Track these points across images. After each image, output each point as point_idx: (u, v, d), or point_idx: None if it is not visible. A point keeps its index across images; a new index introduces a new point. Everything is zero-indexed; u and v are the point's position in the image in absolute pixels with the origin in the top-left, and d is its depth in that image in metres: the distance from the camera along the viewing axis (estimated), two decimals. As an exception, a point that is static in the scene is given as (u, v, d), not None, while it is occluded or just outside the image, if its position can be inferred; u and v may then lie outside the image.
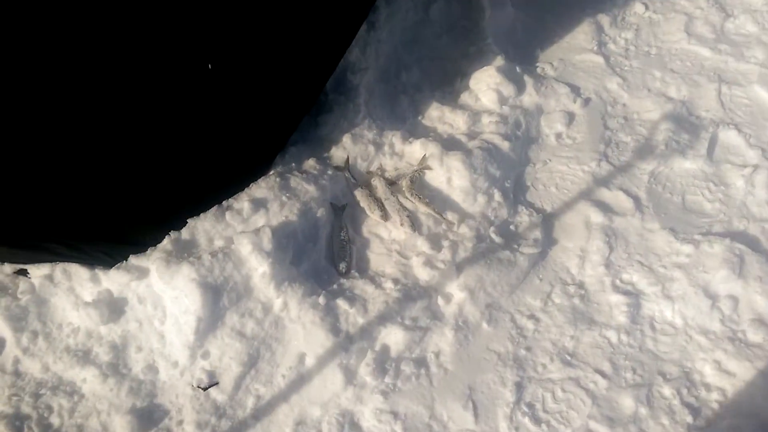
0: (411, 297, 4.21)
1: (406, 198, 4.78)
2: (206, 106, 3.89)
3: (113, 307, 4.09)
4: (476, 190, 4.83)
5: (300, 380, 3.94)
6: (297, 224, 4.38)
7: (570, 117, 5.74)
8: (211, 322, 3.89)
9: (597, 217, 4.85)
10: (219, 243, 4.19)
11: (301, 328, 4.02)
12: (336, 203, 4.81)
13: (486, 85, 5.71)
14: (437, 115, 5.57)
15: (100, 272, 4.11)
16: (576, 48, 6.55)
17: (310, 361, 3.97)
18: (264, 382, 3.94)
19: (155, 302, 4.06)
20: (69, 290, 4.15)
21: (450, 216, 4.72)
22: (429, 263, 4.39)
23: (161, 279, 3.90)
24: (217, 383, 3.91)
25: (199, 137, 4.01)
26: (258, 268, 4.02)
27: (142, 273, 4.06)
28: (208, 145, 4.13)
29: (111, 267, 4.09)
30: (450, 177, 4.85)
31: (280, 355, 4.02)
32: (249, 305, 4.01)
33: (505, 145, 5.17)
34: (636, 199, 5.00)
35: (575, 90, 5.97)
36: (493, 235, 4.65)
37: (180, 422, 3.80)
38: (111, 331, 4.12)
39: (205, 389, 3.87)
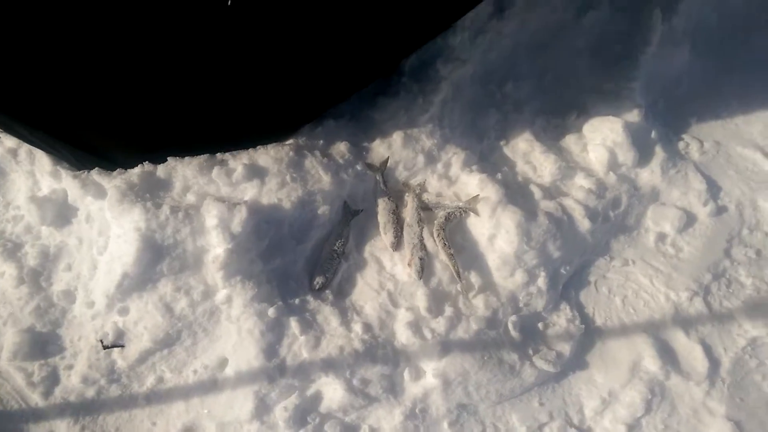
0: (374, 356, 3.57)
1: (432, 236, 4.05)
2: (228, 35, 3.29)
3: (62, 212, 3.84)
4: (519, 263, 3.98)
5: (210, 386, 3.51)
6: (289, 213, 3.82)
7: (689, 221, 4.60)
8: (140, 281, 3.50)
9: (652, 362, 3.87)
10: (190, 199, 3.74)
11: (236, 333, 3.54)
12: (350, 205, 4.19)
13: (602, 138, 4.68)
14: (524, 150, 4.67)
15: (63, 171, 3.84)
16: (744, 137, 5.22)
17: (229, 372, 3.51)
18: (173, 368, 3.55)
19: (102, 229, 3.74)
20: (29, 174, 3.93)
21: (469, 280, 3.96)
22: (416, 326, 3.69)
23: (110, 210, 3.55)
24: (122, 346, 3.57)
25: (212, 64, 3.45)
26: (216, 248, 3.54)
27: (99, 193, 3.73)
28: (220, 77, 3.57)
29: (75, 170, 3.79)
30: (494, 235, 4.03)
31: (202, 349, 3.59)
32: (190, 282, 3.56)
33: (584, 224, 4.22)
34: (714, 365, 3.93)
35: (713, 189, 4.78)
36: (510, 326, 3.84)
37: (69, 367, 3.53)
38: (50, 236, 3.88)
39: (105, 347, 3.54)
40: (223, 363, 3.56)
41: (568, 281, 4.23)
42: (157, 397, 3.50)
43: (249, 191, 3.83)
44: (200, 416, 3.45)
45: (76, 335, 3.64)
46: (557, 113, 5.03)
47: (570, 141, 4.81)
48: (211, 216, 3.55)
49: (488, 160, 4.61)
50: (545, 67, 5.27)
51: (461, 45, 4.78)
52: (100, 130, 3.69)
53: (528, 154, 4.65)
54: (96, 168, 3.79)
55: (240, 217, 3.56)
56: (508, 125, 4.82)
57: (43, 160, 3.87)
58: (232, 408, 3.42)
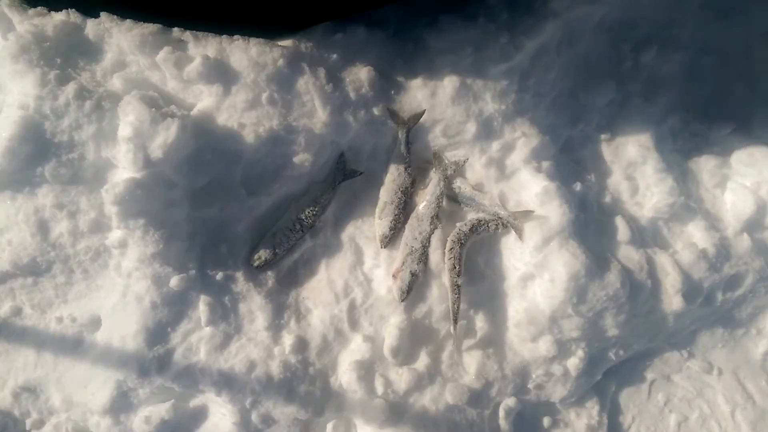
0: (294, 390, 2.66)
1: (443, 246, 2.85)
2: None
3: None
4: (552, 327, 2.86)
5: (72, 346, 2.77)
6: (251, 149, 2.80)
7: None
8: (12, 179, 2.61)
9: None
10: (116, 84, 2.76)
11: (121, 292, 2.69)
12: (347, 162, 3.07)
13: (757, 178, 3.32)
14: (632, 157, 3.34)
15: None
16: None
17: (99, 338, 2.71)
18: (35, 304, 2.78)
19: None
20: None
21: (471, 324, 2.83)
22: (368, 368, 2.70)
23: (1, 65, 2.56)
24: None
25: None
26: (119, 171, 2.52)
27: (6, 29, 2.72)
28: None
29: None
30: (533, 276, 2.88)
31: (76, 295, 2.78)
32: (79, 203, 2.67)
33: (674, 302, 2.98)
34: None
35: None
36: (502, 413, 2.86)
37: None
38: None
39: None
40: (95, 322, 2.79)
41: (612, 370, 3.00)
42: (8, 332, 2.73)
43: (204, 98, 2.81)
44: (48, 379, 2.80)
45: None
46: (703, 117, 3.53)
47: (705, 166, 3.38)
48: (126, 122, 2.52)
49: (571, 156, 3.27)
50: (715, 41, 3.59)
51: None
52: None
53: (635, 166, 3.30)
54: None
55: (166, 137, 2.51)
56: (624, 113, 3.46)
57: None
58: (86, 388, 2.70)
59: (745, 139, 3.41)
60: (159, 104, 2.67)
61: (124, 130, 2.58)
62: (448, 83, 3.11)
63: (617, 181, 3.31)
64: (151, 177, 2.59)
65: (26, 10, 2.86)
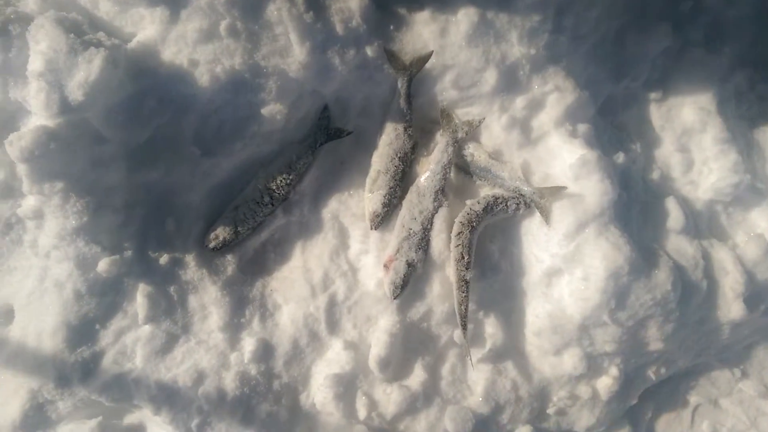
0: (253, 410, 2.21)
1: (449, 230, 2.35)
2: None
3: None
4: (580, 338, 2.38)
5: None
6: (206, 96, 2.22)
7: None
8: None
9: None
10: (30, 2, 2.13)
11: (37, 277, 2.18)
12: (332, 118, 2.50)
13: None
14: (688, 122, 2.76)
15: None
16: None
17: (13, 333, 2.21)
18: None
19: None
20: None
21: (481, 330, 2.35)
22: (349, 383, 2.24)
23: None
24: None
25: None
26: (33, 109, 1.98)
27: None
28: None
29: None
30: (560, 271, 2.36)
31: None
32: None
33: (732, 309, 2.53)
34: None
35: None
36: None
37: None
38: None
39: None
40: (7, 314, 2.34)
41: (650, 392, 2.53)
42: None
43: (145, 26, 2.17)
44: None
45: None
46: None
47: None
48: (36, 51, 1.93)
49: (612, 119, 2.69)
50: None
51: None
52: None
53: (690, 135, 2.75)
54: None
55: (87, 73, 1.94)
56: (681, 66, 2.85)
57: None
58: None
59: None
60: (82, 30, 2.09)
61: (34, 62, 2.01)
62: (464, 17, 2.50)
63: (668, 153, 2.76)
64: (70, 126, 2.05)
65: None
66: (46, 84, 1.97)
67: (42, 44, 1.99)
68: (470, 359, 2.36)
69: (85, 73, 1.98)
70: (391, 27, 2.53)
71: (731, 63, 2.95)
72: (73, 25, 2.08)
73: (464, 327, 2.33)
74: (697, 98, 2.79)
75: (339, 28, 2.40)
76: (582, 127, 2.52)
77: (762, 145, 2.88)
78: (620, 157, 2.58)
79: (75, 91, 1.99)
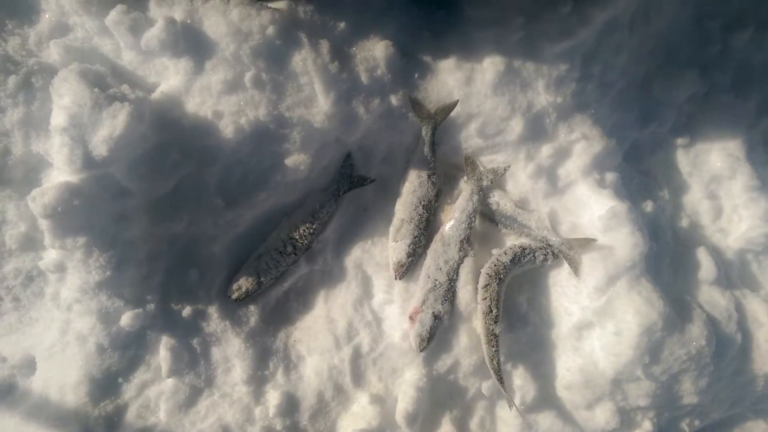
0: None
1: (476, 281, 2.29)
2: None
3: None
4: (613, 392, 2.30)
5: (1, 393, 2.14)
6: (230, 147, 2.19)
7: None
8: None
9: None
10: (53, 54, 2.17)
11: (59, 329, 2.17)
12: (355, 166, 2.48)
13: None
14: (717, 169, 2.71)
15: None
16: None
17: (35, 384, 2.15)
18: None
19: None
20: None
21: (510, 384, 2.26)
22: None
23: None
24: None
25: None
26: (55, 164, 1.96)
27: None
28: None
29: None
30: (591, 324, 2.28)
31: (5, 328, 2.30)
32: (5, 211, 2.16)
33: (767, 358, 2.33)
34: None
35: None
36: None
37: None
38: None
39: None
40: (29, 365, 2.25)
41: None
42: None
43: (169, 77, 2.20)
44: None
45: None
46: None
47: None
48: (60, 106, 1.92)
49: (638, 167, 2.62)
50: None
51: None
52: None
53: (719, 182, 2.70)
54: None
55: (112, 128, 1.94)
56: (708, 111, 2.81)
57: None
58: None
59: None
60: (106, 83, 2.06)
61: (58, 117, 1.99)
62: (490, 66, 2.47)
63: (696, 200, 2.72)
64: (93, 182, 2.01)
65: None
66: (70, 139, 1.95)
67: (66, 99, 1.98)
68: (516, 408, 2.24)
69: (110, 128, 1.95)
70: (416, 75, 2.51)
71: (759, 108, 2.89)
72: (96, 78, 2.06)
73: (501, 380, 2.25)
74: (725, 144, 2.74)
75: (364, 78, 2.39)
76: (610, 176, 2.47)
77: (794, 190, 2.85)
78: (648, 206, 2.54)
79: (99, 147, 1.96)
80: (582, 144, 2.49)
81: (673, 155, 2.78)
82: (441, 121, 2.50)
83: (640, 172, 2.73)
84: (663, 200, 2.64)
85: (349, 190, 2.47)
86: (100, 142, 1.96)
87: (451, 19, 2.59)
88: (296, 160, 2.30)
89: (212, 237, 2.32)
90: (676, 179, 2.76)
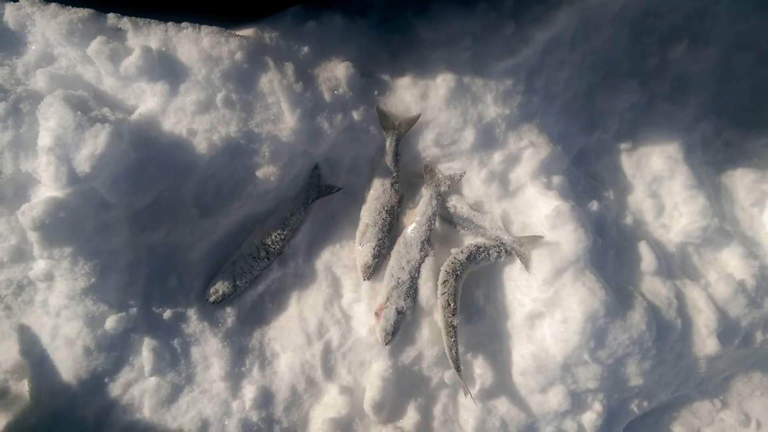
0: None
1: (435, 278, 2.49)
2: None
3: None
4: (564, 376, 2.51)
5: None
6: (204, 161, 2.38)
7: None
8: None
9: None
10: (39, 82, 2.34)
11: (49, 336, 2.32)
12: (322, 176, 2.68)
13: None
14: (657, 170, 2.96)
15: None
16: None
17: (27, 387, 2.25)
18: None
19: None
20: None
21: (470, 369, 2.46)
22: (343, 428, 2.32)
23: None
24: None
25: None
26: (42, 181, 2.15)
27: None
28: None
29: None
30: (542, 314, 2.50)
31: None
32: None
33: (707, 344, 2.65)
34: None
35: None
36: None
37: None
38: None
39: None
40: (21, 369, 2.38)
41: (634, 424, 2.65)
42: None
43: (146, 99, 2.37)
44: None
45: None
46: (738, 124, 3.13)
47: (741, 181, 3.01)
48: (46, 128, 2.11)
49: (586, 170, 2.88)
50: (753, 35, 3.21)
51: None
52: None
53: (660, 182, 2.92)
54: None
55: (94, 147, 2.11)
56: (648, 118, 3.05)
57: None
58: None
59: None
60: (88, 107, 2.25)
61: (44, 138, 2.16)
62: (442, 83, 2.70)
63: (640, 199, 2.94)
64: (78, 196, 2.18)
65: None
66: (56, 158, 2.12)
67: (51, 121, 2.16)
68: (471, 395, 2.43)
69: (92, 147, 2.13)
70: (376, 92, 2.73)
71: (696, 113, 3.14)
72: (79, 102, 2.24)
73: (458, 369, 2.43)
74: (664, 148, 2.98)
75: (327, 96, 2.59)
76: (556, 179, 2.69)
77: (729, 189, 3.04)
78: (594, 205, 2.75)
79: (82, 164, 2.14)
80: (530, 151, 2.72)
81: (617, 159, 3.02)
82: (404, 132, 2.71)
83: (588, 175, 2.95)
84: (608, 200, 2.85)
85: (318, 198, 2.66)
86: (84, 159, 2.14)
87: (407, 41, 2.82)
88: (266, 171, 2.50)
89: (190, 245, 2.49)
90: (621, 181, 2.98)
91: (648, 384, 2.59)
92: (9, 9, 2.44)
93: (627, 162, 2.97)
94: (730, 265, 2.81)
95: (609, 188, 2.90)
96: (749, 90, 3.24)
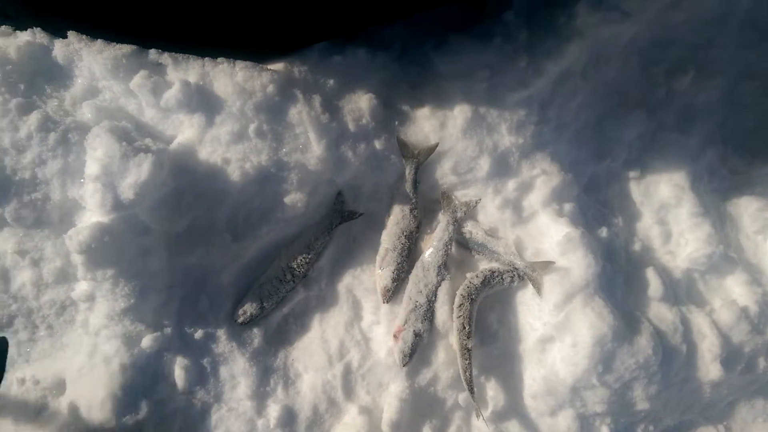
0: None
1: (452, 302, 2.62)
2: None
3: None
4: (573, 400, 2.62)
5: (34, 412, 2.49)
6: (236, 188, 2.55)
7: None
8: None
9: None
10: (85, 114, 2.50)
11: (87, 353, 2.44)
12: (345, 203, 2.82)
13: None
14: (665, 198, 3.08)
15: None
16: None
17: (63, 404, 2.44)
18: None
19: None
20: None
21: (482, 392, 2.60)
22: None
23: None
24: None
25: None
26: (88, 207, 2.31)
27: None
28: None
29: None
30: (552, 338, 2.62)
31: (39, 353, 2.57)
32: (44, 249, 2.44)
33: (711, 370, 2.73)
34: None
35: None
36: None
37: None
38: None
39: None
40: (59, 386, 2.53)
41: None
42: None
43: (184, 130, 2.54)
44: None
45: None
46: (744, 152, 3.25)
47: (746, 209, 3.13)
48: (93, 158, 2.27)
49: (596, 197, 3.00)
50: (758, 65, 3.34)
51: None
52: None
53: (667, 209, 3.05)
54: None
55: (138, 175, 2.27)
56: (655, 147, 3.20)
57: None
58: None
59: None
60: (132, 137, 2.42)
61: (91, 167, 2.32)
62: (459, 113, 2.85)
63: (647, 226, 3.06)
64: (121, 221, 2.34)
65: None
66: (102, 185, 2.29)
67: (98, 151, 2.32)
68: (483, 417, 2.54)
69: (136, 175, 2.29)
70: (396, 122, 2.89)
71: (702, 142, 3.26)
72: (123, 133, 2.40)
73: (471, 391, 2.55)
74: (671, 176, 3.09)
75: (351, 126, 2.76)
76: (567, 206, 2.83)
77: (734, 217, 3.16)
78: (604, 232, 2.88)
79: (126, 191, 2.30)
80: (542, 178, 2.86)
81: (626, 186, 3.14)
82: (423, 161, 2.86)
83: (598, 202, 3.07)
84: (617, 227, 2.98)
85: (341, 224, 2.80)
86: (128, 187, 2.29)
87: (426, 74, 2.98)
88: (294, 198, 2.65)
89: (221, 267, 2.64)
90: (629, 208, 3.10)
91: (654, 408, 2.69)
92: (58, 45, 2.62)
93: (635, 189, 3.10)
94: (734, 291, 2.91)
95: (618, 215, 3.02)
96: (755, 119, 3.36)
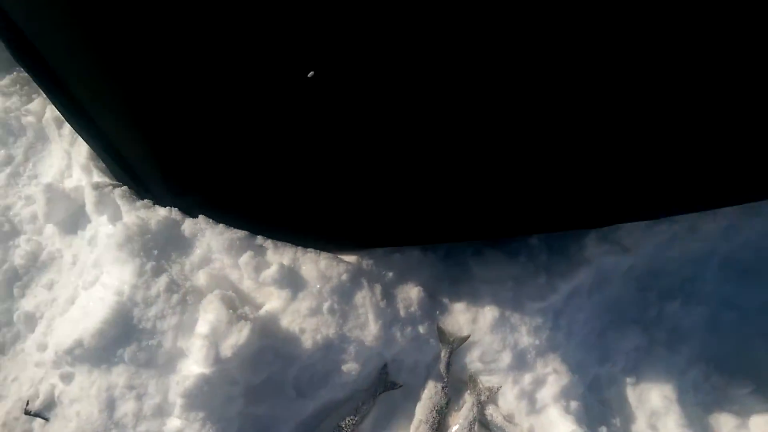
0: None
1: None
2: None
3: (74, 217, 3.54)
4: None
5: None
6: (306, 354, 3.07)
7: None
8: (95, 356, 2.91)
9: None
10: (200, 280, 3.15)
11: None
12: (389, 373, 3.34)
13: None
14: (654, 407, 3.54)
15: (95, 169, 3.49)
16: None
17: None
18: None
19: (99, 260, 3.22)
20: (66, 153, 3.52)
21: None
22: None
23: (107, 250, 3.10)
24: (46, 419, 3.05)
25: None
26: (190, 365, 2.86)
27: (114, 216, 3.36)
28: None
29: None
30: None
31: None
32: (148, 386, 2.88)
33: None
34: None
35: None
36: None
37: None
38: (50, 239, 3.55)
39: (27, 412, 3.03)
40: None
41: None
42: None
43: (272, 300, 3.18)
44: None
45: (12, 374, 3.13)
46: (723, 371, 3.79)
47: (725, 425, 3.58)
48: (205, 319, 2.87)
49: (598, 395, 3.52)
50: (736, 298, 4.02)
51: (630, 227, 3.71)
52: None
53: (658, 416, 3.53)
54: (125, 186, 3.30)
55: (238, 338, 2.85)
56: (649, 359, 3.73)
57: (82, 146, 3.45)
58: None
59: (764, 403, 3.63)
60: (236, 305, 3.06)
61: (203, 327, 2.93)
62: (489, 312, 3.49)
63: (641, 429, 3.51)
64: (218, 374, 2.86)
65: (135, 202, 3.40)
66: (209, 343, 2.86)
67: (210, 315, 2.93)
68: None
69: (236, 338, 2.88)
70: (437, 312, 3.53)
71: (689, 360, 3.81)
72: (230, 300, 3.04)
73: None
74: (661, 387, 3.61)
75: (402, 312, 3.39)
76: (573, 404, 3.34)
77: (715, 429, 3.67)
78: (603, 430, 3.38)
79: (226, 350, 2.86)
80: (553, 376, 3.41)
81: (624, 390, 3.64)
82: (456, 348, 3.45)
83: (599, 401, 3.56)
84: (615, 426, 3.44)
85: (384, 392, 3.31)
86: (228, 347, 2.86)
87: (465, 275, 3.68)
88: (350, 367, 3.20)
89: (283, 420, 3.08)
90: (626, 410, 3.58)
91: None
92: (187, 222, 3.36)
93: (632, 394, 3.61)
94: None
95: (617, 415, 3.50)
96: (733, 344, 3.97)
